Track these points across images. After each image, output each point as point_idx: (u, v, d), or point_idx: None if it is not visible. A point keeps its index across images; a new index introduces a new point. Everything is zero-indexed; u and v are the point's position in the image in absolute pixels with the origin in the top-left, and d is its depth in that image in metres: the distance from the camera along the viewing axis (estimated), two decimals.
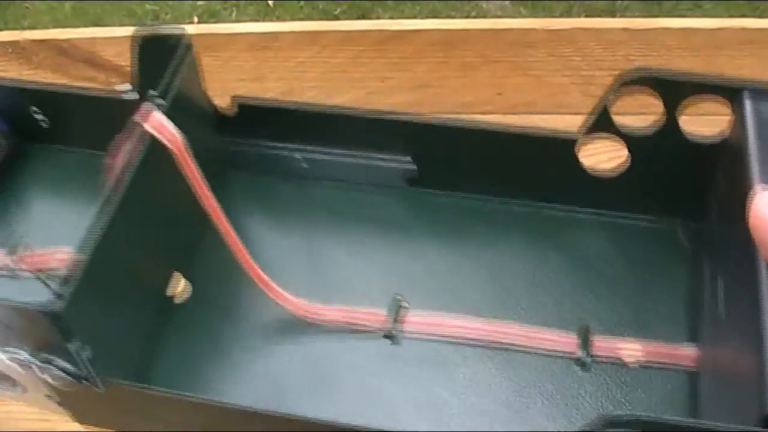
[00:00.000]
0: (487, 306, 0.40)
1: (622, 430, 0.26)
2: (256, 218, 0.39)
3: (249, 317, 0.39)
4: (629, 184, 0.35)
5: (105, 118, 0.35)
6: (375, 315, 0.41)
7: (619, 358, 0.40)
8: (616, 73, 0.64)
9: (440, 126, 0.37)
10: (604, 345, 0.40)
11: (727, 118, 0.31)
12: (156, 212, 0.35)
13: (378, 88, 0.67)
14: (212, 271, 0.39)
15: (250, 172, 0.38)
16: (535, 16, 1.53)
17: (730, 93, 0.30)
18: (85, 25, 0.80)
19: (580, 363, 0.38)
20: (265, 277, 0.38)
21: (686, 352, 0.40)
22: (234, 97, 0.36)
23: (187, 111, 0.35)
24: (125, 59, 0.68)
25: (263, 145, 0.39)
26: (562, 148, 0.33)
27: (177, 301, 0.40)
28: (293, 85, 0.67)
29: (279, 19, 1.58)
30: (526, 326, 0.40)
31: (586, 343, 0.39)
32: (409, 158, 0.38)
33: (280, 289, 0.39)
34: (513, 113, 0.67)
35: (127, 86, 0.37)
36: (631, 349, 0.40)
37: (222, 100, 0.70)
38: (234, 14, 1.61)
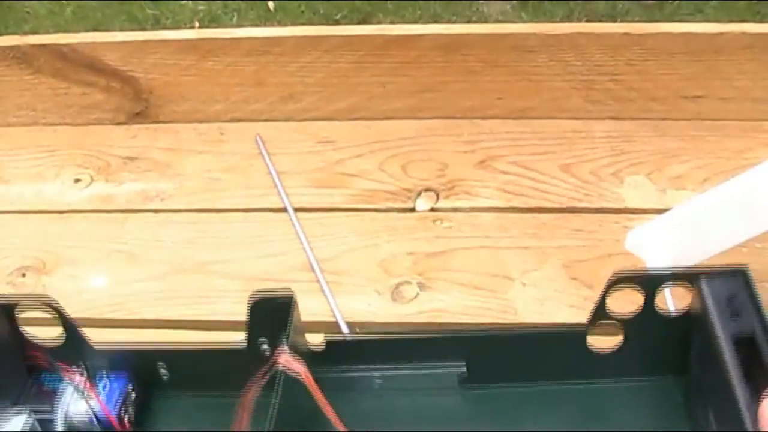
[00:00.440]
0: None
1: None
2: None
3: None
4: (629, 356, 0.45)
5: (219, 366, 0.44)
6: None
7: None
8: (617, 77, 0.64)
9: (487, 336, 0.45)
10: None
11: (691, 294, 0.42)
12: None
13: (379, 93, 0.67)
14: None
15: (332, 389, 0.43)
16: (536, 21, 1.53)
17: (691, 279, 0.41)
18: (86, 30, 0.80)
19: None
20: None
21: None
22: (326, 335, 0.44)
23: (297, 350, 0.42)
24: (126, 64, 0.69)
25: (345, 369, 0.46)
26: (575, 337, 0.43)
27: None
28: (294, 89, 0.67)
29: (280, 23, 1.58)
30: None
31: None
32: (463, 363, 0.45)
33: None
34: (514, 118, 0.67)
35: (243, 340, 0.43)
36: None
37: (224, 104, 0.70)
38: (235, 19, 1.61)
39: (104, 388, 0.45)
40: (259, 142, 0.67)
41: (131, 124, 0.70)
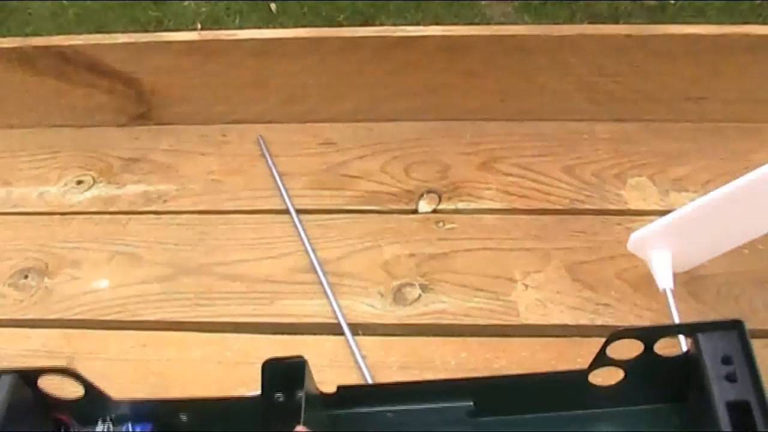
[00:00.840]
0: None
1: None
2: None
3: None
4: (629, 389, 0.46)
5: (232, 417, 0.46)
6: None
7: None
8: (619, 79, 0.64)
9: (495, 380, 0.47)
10: None
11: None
12: None
13: (381, 94, 0.67)
14: None
15: (345, 425, 0.46)
16: (538, 23, 1.53)
17: (687, 333, 0.44)
18: (89, 32, 0.80)
19: None
20: None
21: None
22: (339, 386, 0.45)
23: (311, 403, 0.43)
24: (128, 65, 0.69)
25: (358, 412, 0.47)
26: (579, 376, 0.45)
27: None
28: (296, 91, 0.67)
29: (282, 25, 1.58)
30: None
31: None
32: (471, 402, 0.47)
33: None
34: (516, 119, 0.67)
35: (256, 394, 0.44)
36: None
37: (226, 106, 0.70)
38: (237, 20, 1.61)
39: None
40: (262, 143, 0.67)
41: (133, 125, 0.70)
